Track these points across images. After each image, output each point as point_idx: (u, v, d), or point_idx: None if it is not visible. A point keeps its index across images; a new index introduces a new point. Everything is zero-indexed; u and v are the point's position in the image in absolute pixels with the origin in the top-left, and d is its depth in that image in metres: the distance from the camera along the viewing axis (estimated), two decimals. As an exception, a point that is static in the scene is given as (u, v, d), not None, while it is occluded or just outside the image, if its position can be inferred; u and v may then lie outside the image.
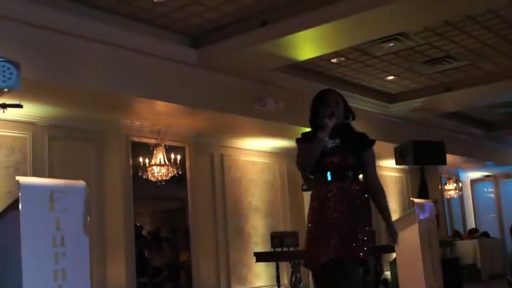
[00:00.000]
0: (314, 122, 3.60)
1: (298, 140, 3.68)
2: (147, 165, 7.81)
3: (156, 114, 7.66)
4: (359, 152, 3.61)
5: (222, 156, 9.37)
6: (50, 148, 7.34)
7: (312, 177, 3.64)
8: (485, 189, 15.61)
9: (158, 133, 7.97)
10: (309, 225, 3.56)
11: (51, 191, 3.63)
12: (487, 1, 6.70)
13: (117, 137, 7.76)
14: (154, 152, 7.88)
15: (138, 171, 7.77)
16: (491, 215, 15.07)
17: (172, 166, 7.85)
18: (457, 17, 7.31)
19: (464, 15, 7.24)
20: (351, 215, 3.48)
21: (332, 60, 8.67)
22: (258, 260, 8.24)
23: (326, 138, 3.49)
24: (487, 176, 16.01)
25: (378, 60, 8.81)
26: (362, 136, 3.69)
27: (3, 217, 3.80)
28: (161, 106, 7.37)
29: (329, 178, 3.52)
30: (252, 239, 9.63)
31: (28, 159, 7.10)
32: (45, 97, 6.56)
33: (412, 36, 7.87)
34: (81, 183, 3.84)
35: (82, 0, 6.35)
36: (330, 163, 3.51)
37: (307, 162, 3.52)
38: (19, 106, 3.74)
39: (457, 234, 13.68)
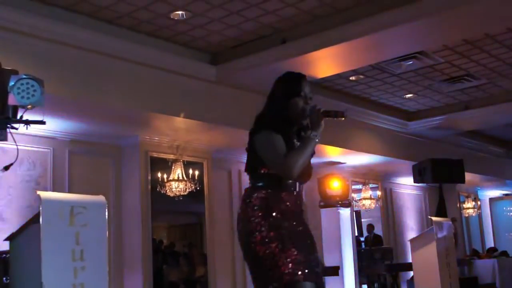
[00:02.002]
0: (289, 107, 3.04)
1: (267, 128, 2.98)
2: (165, 180, 7.86)
3: (175, 130, 7.72)
4: None
5: (239, 172, 9.40)
6: (70, 163, 7.42)
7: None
8: (504, 208, 15.44)
9: (177, 149, 8.03)
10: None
11: (72, 206, 3.70)
12: (506, 21, 6.68)
13: (136, 152, 7.82)
14: (173, 167, 7.93)
15: (157, 186, 7.83)
16: (511, 234, 14.89)
17: (190, 182, 7.90)
18: (477, 35, 7.30)
19: (483, 33, 7.23)
20: None
21: (350, 78, 8.69)
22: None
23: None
24: (506, 194, 15.86)
25: (397, 78, 8.82)
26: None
27: (24, 231, 3.87)
28: (180, 122, 7.43)
29: (292, 188, 3.02)
30: (269, 255, 9.59)
31: (48, 173, 7.18)
32: (67, 113, 6.65)
33: (431, 55, 7.88)
34: (101, 198, 3.89)
35: (104, 19, 6.46)
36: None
37: (302, 165, 2.92)
38: (42, 122, 3.79)
39: (475, 253, 13.54)
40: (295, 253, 2.86)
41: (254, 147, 3.00)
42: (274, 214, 2.93)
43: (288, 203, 2.98)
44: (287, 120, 3.04)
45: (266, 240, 2.89)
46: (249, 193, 3.02)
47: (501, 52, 7.97)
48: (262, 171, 2.99)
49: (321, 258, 9.93)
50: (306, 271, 2.84)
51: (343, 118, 3.01)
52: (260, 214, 2.93)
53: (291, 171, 2.88)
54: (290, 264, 2.83)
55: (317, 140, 2.97)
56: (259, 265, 2.92)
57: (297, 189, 3.03)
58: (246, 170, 3.11)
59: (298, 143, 3.02)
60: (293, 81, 3.10)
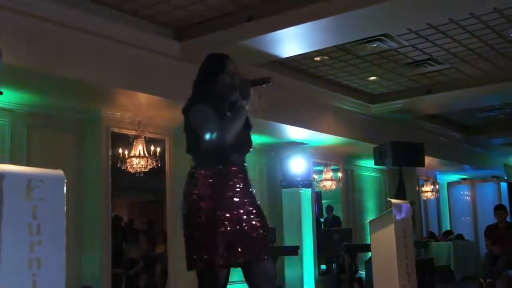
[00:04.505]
0: (216, 81, 3.14)
1: (196, 100, 3.11)
2: (126, 156, 7.77)
3: (137, 106, 7.62)
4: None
5: (202, 150, 9.34)
6: (29, 136, 7.26)
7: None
8: (461, 192, 15.76)
9: (139, 125, 7.93)
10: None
11: (29, 180, 3.60)
12: (470, 6, 6.75)
13: (97, 127, 7.70)
14: (134, 143, 7.85)
15: (117, 162, 7.73)
16: (466, 218, 15.24)
17: (151, 158, 7.82)
18: (441, 20, 7.36)
19: (448, 18, 7.29)
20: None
21: (315, 58, 8.69)
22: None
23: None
24: (463, 179, 16.20)
25: (361, 60, 8.85)
26: None
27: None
28: (142, 97, 7.33)
29: (232, 160, 3.09)
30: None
31: (6, 146, 7.02)
32: (25, 84, 6.49)
33: (395, 38, 7.92)
34: (59, 172, 3.81)
35: (66, -12, 6.30)
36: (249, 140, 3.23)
37: (233, 135, 2.98)
38: (-1, 92, 3.69)
39: (432, 236, 13.83)
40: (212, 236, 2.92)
41: (189, 124, 3.08)
42: (216, 192, 2.99)
43: (229, 179, 3.04)
44: (216, 95, 3.13)
45: (207, 220, 2.95)
46: (191, 174, 3.08)
47: (464, 38, 8.05)
48: (203, 149, 3.02)
49: (275, 236, 9.94)
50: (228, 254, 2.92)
51: (270, 84, 3.13)
52: (202, 194, 2.99)
53: (225, 137, 2.92)
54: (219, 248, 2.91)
55: (247, 108, 3.06)
56: (191, 243, 3.01)
57: (239, 162, 3.11)
58: (187, 151, 3.17)
59: None
60: (217, 60, 3.22)
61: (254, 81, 3.12)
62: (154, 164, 7.86)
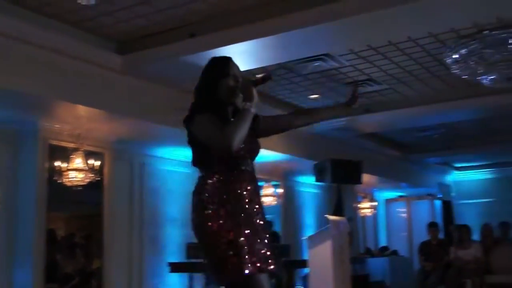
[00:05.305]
0: (218, 87, 3.04)
1: (198, 109, 2.97)
2: (65, 169, 7.63)
3: (77, 118, 7.51)
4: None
5: (141, 165, 9.28)
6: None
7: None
8: (397, 209, 16.17)
9: (78, 137, 7.81)
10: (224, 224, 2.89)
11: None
12: (407, 30, 6.97)
13: (34, 139, 7.53)
14: (73, 156, 7.71)
15: (54, 175, 7.57)
16: (402, 234, 15.62)
17: (90, 172, 7.71)
18: (380, 42, 7.56)
19: (387, 40, 7.50)
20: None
21: (258, 75, 8.75)
22: (172, 271, 8.21)
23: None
24: (400, 196, 16.62)
25: (303, 78, 8.99)
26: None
27: None
28: (82, 110, 7.24)
29: (243, 166, 3.01)
30: (168, 249, 9.55)
31: None
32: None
33: (336, 58, 8.08)
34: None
35: (6, -3, 6.18)
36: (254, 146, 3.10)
37: (241, 137, 2.85)
38: None
39: (369, 252, 14.09)
40: (248, 242, 2.82)
41: (194, 135, 2.95)
42: (229, 199, 2.89)
43: (242, 184, 2.94)
44: (220, 101, 3.02)
45: (223, 228, 2.83)
46: (200, 183, 2.98)
47: (402, 60, 8.28)
48: (209, 159, 2.94)
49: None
50: (257, 260, 2.82)
51: (271, 79, 3.10)
52: (214, 201, 2.89)
53: (231, 142, 2.78)
54: (247, 256, 2.78)
55: (253, 110, 2.92)
56: (213, 256, 2.86)
57: (249, 166, 3.01)
58: (193, 164, 3.06)
59: None
60: (220, 64, 3.11)
61: (256, 81, 3.06)
62: (93, 177, 7.75)
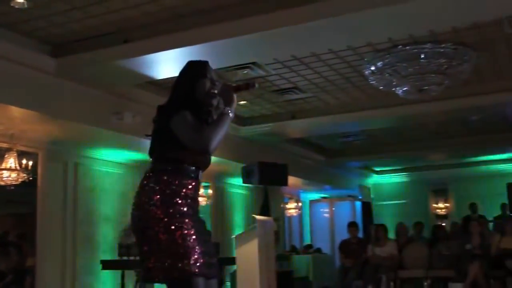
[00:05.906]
0: (198, 89, 3.06)
1: (180, 110, 2.95)
2: (-3, 169, 7.72)
3: (10, 119, 7.58)
4: None
5: (76, 165, 9.36)
6: None
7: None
8: (321, 210, 16.73)
9: (11, 138, 7.91)
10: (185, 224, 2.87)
11: None
12: (329, 42, 7.36)
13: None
14: (5, 156, 7.81)
15: (-13, 174, 7.65)
16: (325, 233, 16.21)
17: (23, 172, 7.82)
18: (304, 53, 7.95)
19: (310, 52, 7.90)
20: None
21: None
22: (104, 268, 8.39)
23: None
24: (324, 197, 17.26)
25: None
26: None
27: None
28: (15, 111, 7.31)
29: (200, 173, 3.06)
30: (101, 247, 9.69)
31: None
32: None
33: (264, 66, 8.41)
34: None
35: None
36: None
37: (219, 140, 2.91)
38: None
39: (294, 249, 14.61)
40: (197, 243, 2.83)
41: (170, 129, 2.94)
42: (177, 200, 2.90)
43: (190, 189, 2.97)
44: (196, 101, 3.03)
45: (171, 227, 2.82)
46: (149, 177, 2.96)
47: (324, 70, 8.72)
48: (170, 155, 2.95)
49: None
50: (202, 262, 2.81)
51: (255, 87, 3.16)
52: (160, 199, 2.87)
53: (209, 144, 2.85)
54: (194, 256, 2.78)
55: (231, 116, 2.98)
56: (158, 254, 2.82)
57: (198, 176, 3.05)
58: (150, 153, 3.06)
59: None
60: (197, 66, 3.14)
61: (239, 86, 3.07)
62: (26, 177, 7.87)
